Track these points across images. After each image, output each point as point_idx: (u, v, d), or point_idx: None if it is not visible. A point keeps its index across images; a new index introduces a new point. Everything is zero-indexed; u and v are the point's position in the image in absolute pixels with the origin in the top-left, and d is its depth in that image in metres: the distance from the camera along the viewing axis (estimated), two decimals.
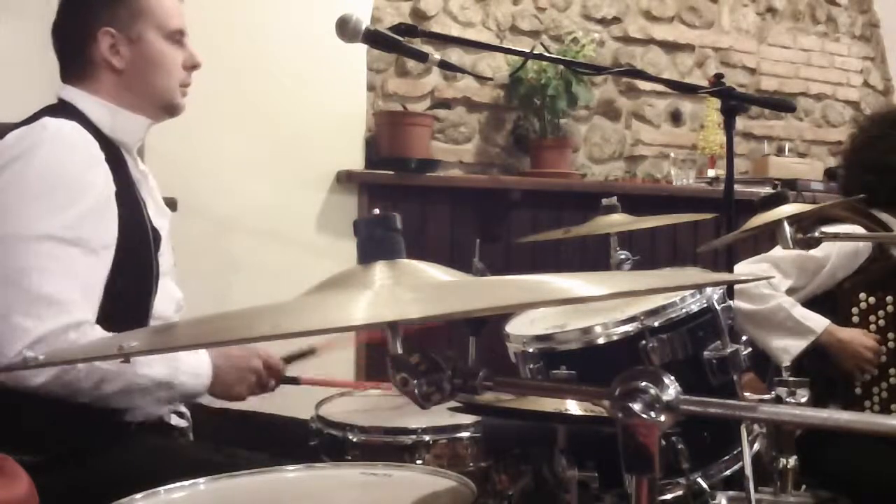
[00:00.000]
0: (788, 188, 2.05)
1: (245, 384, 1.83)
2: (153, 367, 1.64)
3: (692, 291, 1.61)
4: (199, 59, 1.86)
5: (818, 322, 2.30)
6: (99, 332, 1.62)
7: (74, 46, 1.79)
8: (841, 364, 2.28)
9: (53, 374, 1.56)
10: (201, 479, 1.25)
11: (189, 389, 1.73)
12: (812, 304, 2.40)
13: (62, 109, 1.74)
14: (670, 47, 4.04)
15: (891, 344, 2.29)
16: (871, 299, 2.30)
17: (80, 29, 1.78)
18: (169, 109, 1.86)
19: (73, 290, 1.60)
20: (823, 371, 2.27)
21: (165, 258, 1.86)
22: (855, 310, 2.31)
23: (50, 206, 1.61)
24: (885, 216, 2.39)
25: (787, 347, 2.26)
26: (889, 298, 2.29)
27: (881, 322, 2.30)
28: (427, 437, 1.64)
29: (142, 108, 1.82)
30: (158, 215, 1.86)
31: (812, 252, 2.32)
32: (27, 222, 1.59)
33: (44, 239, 1.59)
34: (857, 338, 2.28)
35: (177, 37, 1.83)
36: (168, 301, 1.86)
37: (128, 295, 1.70)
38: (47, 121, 1.68)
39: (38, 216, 1.60)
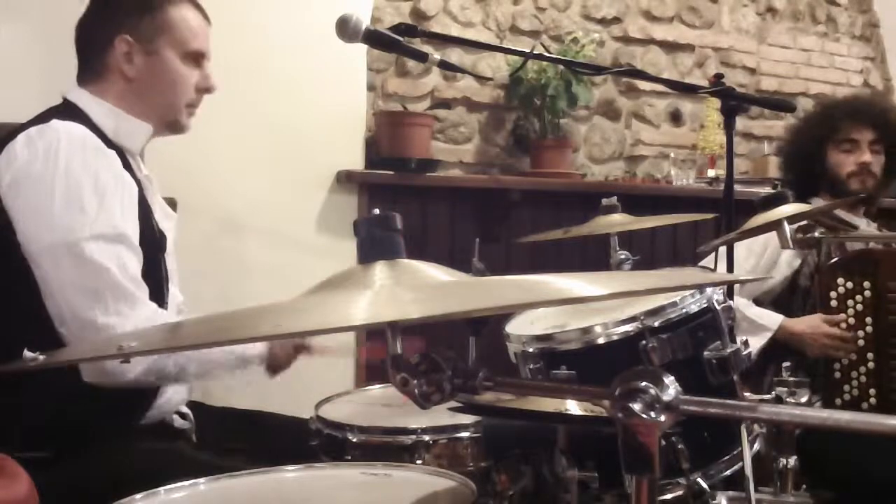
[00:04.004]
0: (788, 188, 2.05)
1: (290, 358, 1.91)
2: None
3: (692, 291, 1.60)
4: (214, 83, 1.86)
5: (772, 319, 2.36)
6: (171, 316, 1.72)
7: (92, 48, 1.80)
8: (809, 352, 2.31)
9: (145, 367, 1.61)
10: (201, 480, 1.25)
11: (254, 355, 1.80)
12: (784, 295, 2.44)
13: (68, 111, 1.74)
14: (670, 47, 4.03)
15: (868, 329, 2.29)
16: (850, 284, 2.32)
17: (100, 32, 1.79)
18: (171, 126, 1.86)
19: (136, 282, 1.64)
20: (803, 359, 2.31)
21: (171, 261, 1.87)
22: (833, 293, 2.33)
23: (89, 207, 1.61)
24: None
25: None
26: (866, 284, 2.30)
27: (859, 307, 2.31)
28: (427, 437, 1.63)
29: (146, 118, 1.82)
30: (164, 218, 1.88)
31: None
32: (75, 226, 1.60)
33: (94, 240, 1.60)
34: (813, 327, 2.31)
35: (195, 58, 1.83)
36: (170, 304, 1.87)
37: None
38: (57, 123, 1.68)
39: (81, 219, 1.61)
